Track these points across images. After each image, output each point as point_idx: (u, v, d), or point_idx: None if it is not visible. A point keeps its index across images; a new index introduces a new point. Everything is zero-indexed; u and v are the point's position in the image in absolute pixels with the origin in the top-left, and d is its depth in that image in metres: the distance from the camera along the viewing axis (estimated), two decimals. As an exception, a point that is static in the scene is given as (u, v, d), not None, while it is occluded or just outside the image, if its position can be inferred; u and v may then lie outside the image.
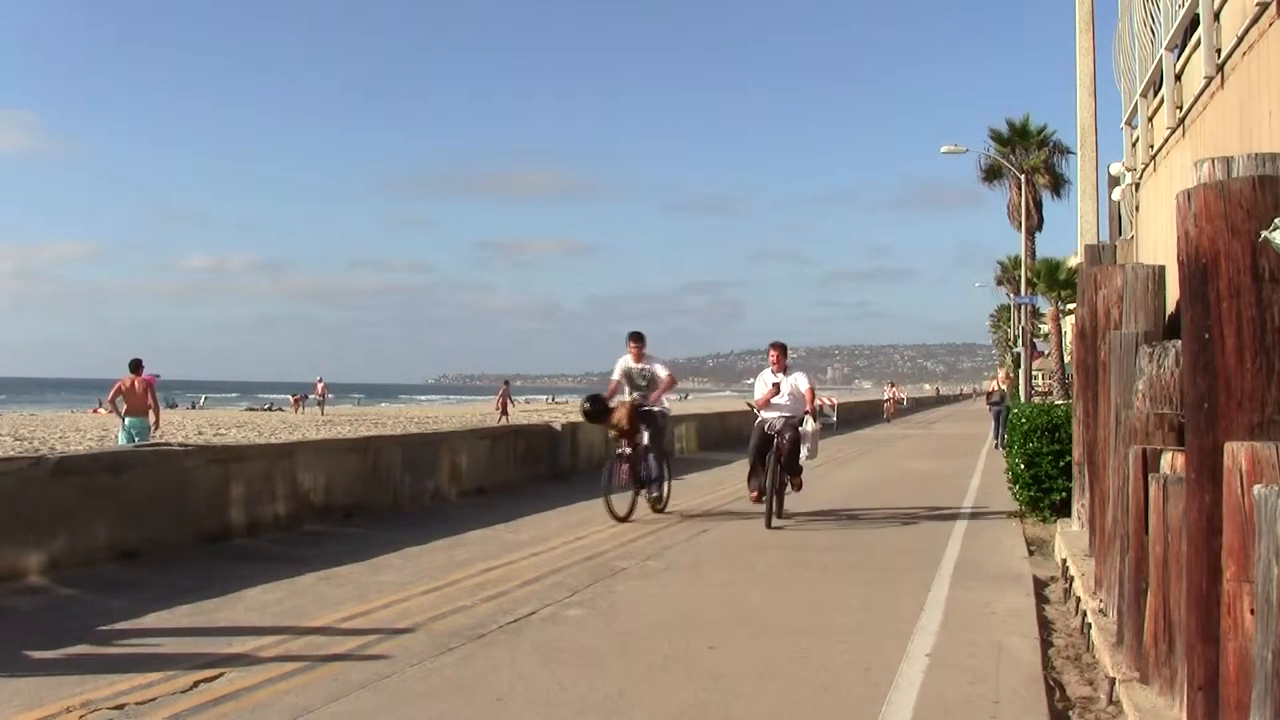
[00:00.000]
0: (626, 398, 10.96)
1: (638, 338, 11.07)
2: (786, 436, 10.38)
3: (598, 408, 11.05)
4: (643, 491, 10.78)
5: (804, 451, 10.52)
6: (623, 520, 10.25)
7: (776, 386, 10.52)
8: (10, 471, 7.28)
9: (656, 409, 10.98)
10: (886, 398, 47.49)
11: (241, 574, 7.39)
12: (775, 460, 10.29)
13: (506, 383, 44.14)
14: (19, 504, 7.15)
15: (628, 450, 10.54)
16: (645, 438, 10.73)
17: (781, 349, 10.77)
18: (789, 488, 10.68)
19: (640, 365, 11.00)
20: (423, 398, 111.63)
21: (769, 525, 9.93)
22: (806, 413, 10.51)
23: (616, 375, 11.17)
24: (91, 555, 7.56)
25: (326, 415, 47.94)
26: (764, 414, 10.65)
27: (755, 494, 10.50)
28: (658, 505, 11.00)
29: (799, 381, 10.64)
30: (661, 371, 11.00)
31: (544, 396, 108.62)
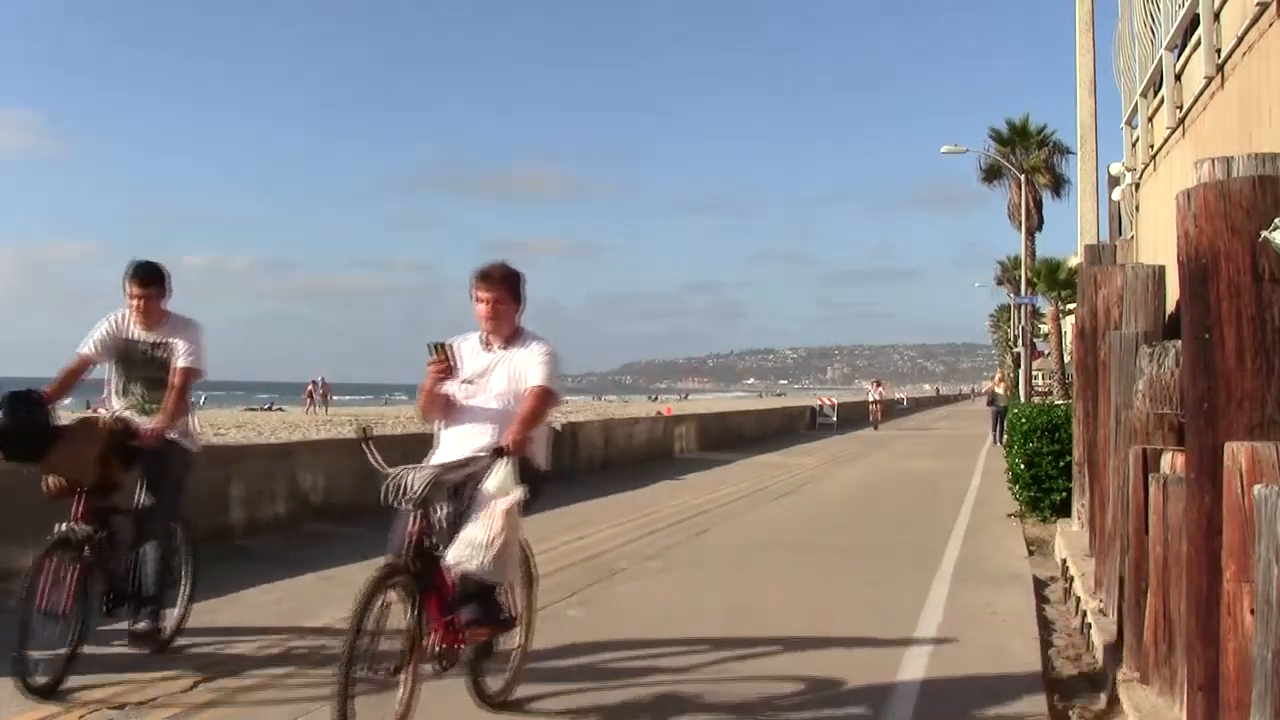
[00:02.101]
0: (116, 405, 5.37)
1: (146, 277, 5.19)
2: (450, 512, 4.05)
3: (23, 422, 5.01)
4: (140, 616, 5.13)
5: (475, 559, 3.91)
6: (47, 697, 4.50)
7: (444, 360, 4.30)
8: (10, 470, 7.26)
9: (173, 439, 5.20)
10: (871, 399, 38.46)
11: (241, 574, 7.38)
12: (432, 588, 4.01)
13: None
14: (18, 503, 7.13)
15: (85, 529, 4.94)
16: (143, 498, 5.19)
17: (506, 284, 4.38)
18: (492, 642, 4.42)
19: (152, 337, 5.29)
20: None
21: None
22: (502, 449, 3.97)
23: (89, 348, 5.29)
24: (91, 555, 7.53)
25: (328, 414, 47.95)
26: (441, 442, 4.39)
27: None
28: (153, 639, 5.14)
29: (529, 365, 4.34)
30: (182, 356, 5.25)
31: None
